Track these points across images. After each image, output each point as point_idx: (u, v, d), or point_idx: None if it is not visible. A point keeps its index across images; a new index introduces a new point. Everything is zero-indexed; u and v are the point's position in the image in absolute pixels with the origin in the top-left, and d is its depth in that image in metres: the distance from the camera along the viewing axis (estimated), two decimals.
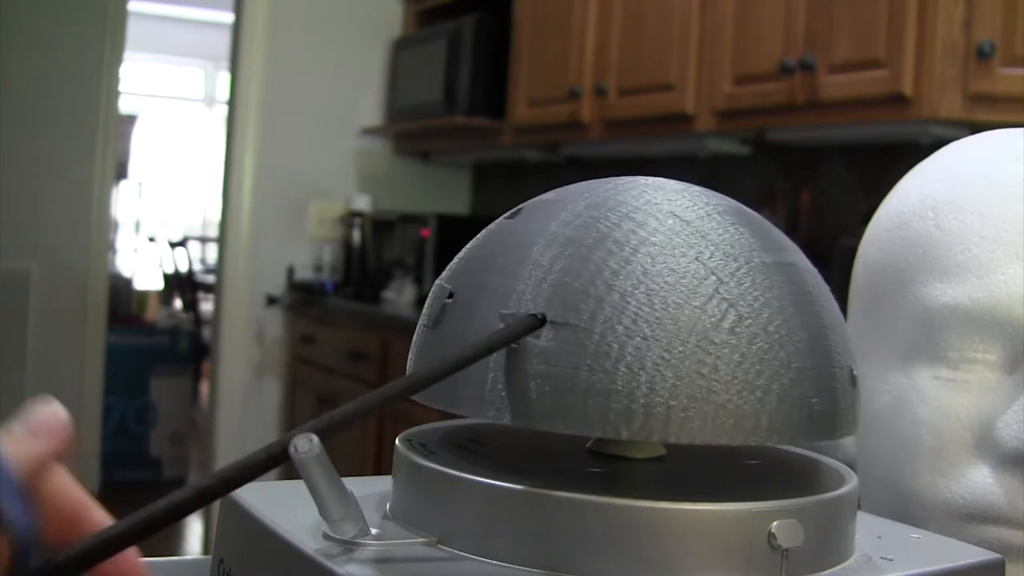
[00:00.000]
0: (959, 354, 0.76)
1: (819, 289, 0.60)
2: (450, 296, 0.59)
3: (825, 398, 0.56)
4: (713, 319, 0.54)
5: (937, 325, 0.76)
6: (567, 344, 0.54)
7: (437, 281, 0.62)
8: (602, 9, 3.60)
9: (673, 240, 0.56)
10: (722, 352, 0.53)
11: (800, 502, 0.55)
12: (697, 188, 0.62)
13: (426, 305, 0.62)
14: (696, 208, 0.59)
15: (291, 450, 0.50)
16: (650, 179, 0.62)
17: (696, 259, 0.55)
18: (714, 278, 0.55)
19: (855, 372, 0.60)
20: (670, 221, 0.57)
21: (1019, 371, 0.74)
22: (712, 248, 0.56)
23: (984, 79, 2.48)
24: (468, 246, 0.63)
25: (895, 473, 0.78)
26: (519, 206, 0.63)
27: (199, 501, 0.49)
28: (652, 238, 0.56)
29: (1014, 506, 0.72)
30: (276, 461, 0.50)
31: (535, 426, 0.54)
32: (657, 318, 0.53)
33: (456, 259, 0.63)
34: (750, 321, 0.54)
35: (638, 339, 0.53)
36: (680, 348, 0.53)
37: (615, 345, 0.53)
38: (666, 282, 0.54)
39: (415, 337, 0.62)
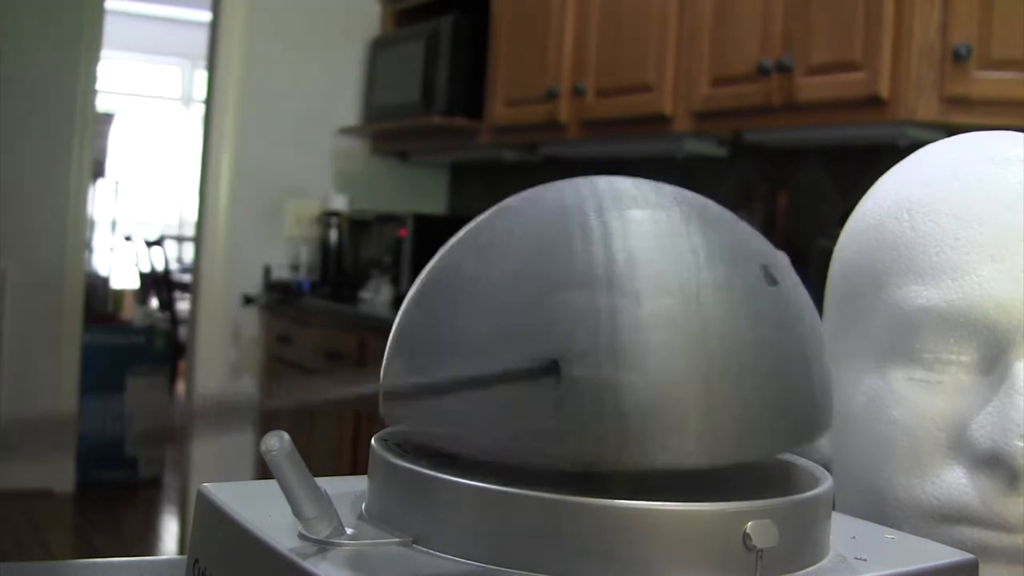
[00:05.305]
0: (934, 355, 0.76)
1: (790, 290, 0.59)
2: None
3: (797, 407, 0.56)
4: (680, 343, 0.54)
5: (912, 327, 0.76)
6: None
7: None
8: (580, 9, 3.60)
9: (637, 259, 0.56)
10: (690, 376, 0.53)
11: (775, 503, 0.55)
12: (666, 187, 0.61)
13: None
14: (656, 221, 0.58)
15: (262, 448, 0.50)
16: (607, 183, 0.61)
17: (660, 279, 0.55)
18: (679, 293, 0.55)
19: (828, 370, 0.60)
20: (629, 244, 0.56)
21: (993, 373, 0.74)
22: (674, 264, 0.56)
23: (960, 82, 2.49)
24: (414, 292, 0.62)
25: (870, 474, 0.79)
26: (456, 241, 0.61)
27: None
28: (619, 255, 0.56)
29: (988, 507, 0.73)
30: None
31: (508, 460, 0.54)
32: (622, 347, 0.53)
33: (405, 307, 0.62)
34: (717, 340, 0.54)
35: (611, 353, 0.53)
36: (647, 376, 0.53)
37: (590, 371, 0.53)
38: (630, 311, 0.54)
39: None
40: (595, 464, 0.53)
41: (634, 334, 0.53)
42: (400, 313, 0.61)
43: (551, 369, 0.53)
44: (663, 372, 0.53)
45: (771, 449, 0.56)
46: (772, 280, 0.58)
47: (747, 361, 0.55)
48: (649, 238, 0.56)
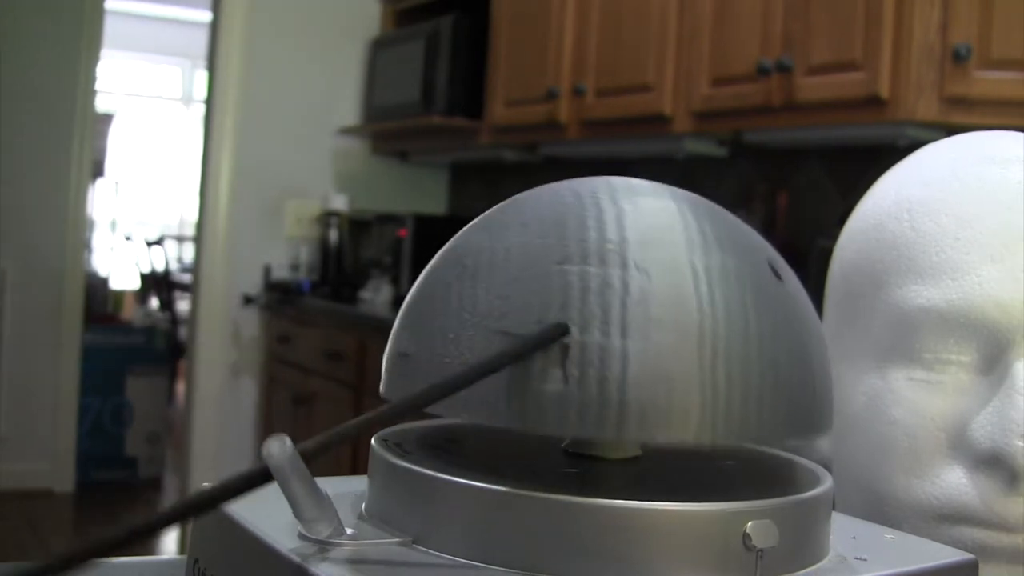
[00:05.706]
0: (934, 355, 0.76)
1: (794, 288, 0.60)
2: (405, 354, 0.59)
3: (799, 397, 0.56)
4: (688, 319, 0.54)
5: (912, 327, 0.76)
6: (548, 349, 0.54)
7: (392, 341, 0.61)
8: (580, 9, 3.60)
9: (650, 239, 0.56)
10: (695, 352, 0.53)
11: (775, 502, 0.55)
12: (667, 188, 0.61)
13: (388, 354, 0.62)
14: (667, 208, 0.59)
15: (263, 453, 0.50)
16: (622, 180, 0.61)
17: (671, 258, 0.55)
18: (689, 274, 0.55)
19: (829, 371, 0.60)
20: (641, 225, 0.57)
21: (993, 373, 0.74)
22: (685, 247, 0.56)
23: (960, 82, 2.49)
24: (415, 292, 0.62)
25: (870, 474, 0.79)
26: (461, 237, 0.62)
27: (168, 523, 0.48)
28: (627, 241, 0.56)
29: (987, 507, 0.73)
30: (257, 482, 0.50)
31: (507, 425, 0.54)
32: (632, 318, 0.53)
33: (405, 308, 0.62)
34: (724, 321, 0.55)
35: (619, 323, 0.53)
36: (654, 348, 0.53)
37: (593, 346, 0.53)
38: (640, 285, 0.54)
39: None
40: (597, 432, 0.53)
41: (643, 307, 0.53)
42: (417, 281, 0.62)
43: (560, 331, 0.53)
44: (668, 346, 0.53)
45: (771, 436, 0.56)
46: (777, 275, 0.58)
47: (751, 345, 0.55)
48: (662, 220, 0.57)
